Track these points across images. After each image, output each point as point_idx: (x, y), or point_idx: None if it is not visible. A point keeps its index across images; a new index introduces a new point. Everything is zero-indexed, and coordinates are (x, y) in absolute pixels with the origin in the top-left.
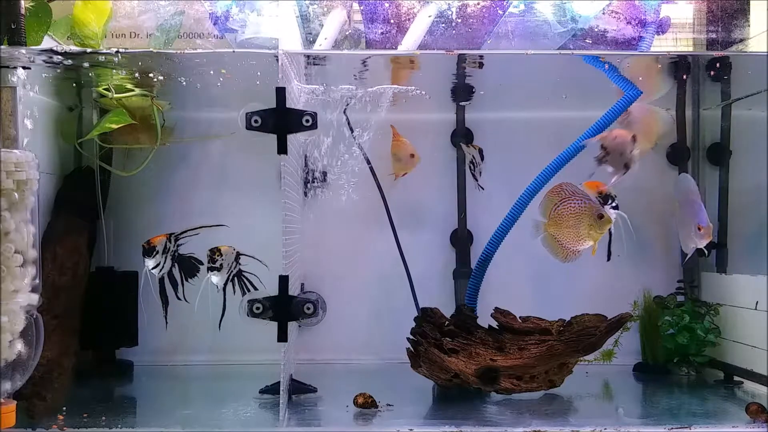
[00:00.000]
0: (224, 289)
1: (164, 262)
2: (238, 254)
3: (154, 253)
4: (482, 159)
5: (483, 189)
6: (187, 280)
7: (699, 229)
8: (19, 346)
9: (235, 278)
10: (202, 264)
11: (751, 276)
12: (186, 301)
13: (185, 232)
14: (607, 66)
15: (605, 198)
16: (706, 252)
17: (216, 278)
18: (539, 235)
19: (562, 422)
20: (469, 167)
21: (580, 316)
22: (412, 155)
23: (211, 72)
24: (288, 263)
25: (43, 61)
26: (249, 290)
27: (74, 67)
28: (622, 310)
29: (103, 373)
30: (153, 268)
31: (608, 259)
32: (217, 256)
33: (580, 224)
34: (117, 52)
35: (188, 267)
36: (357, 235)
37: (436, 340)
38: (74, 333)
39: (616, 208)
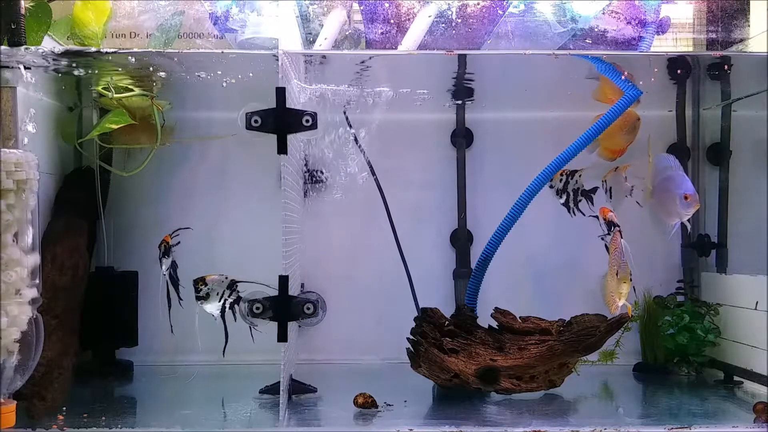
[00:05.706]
0: (223, 318)
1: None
2: (233, 282)
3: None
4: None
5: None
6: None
7: (686, 198)
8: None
9: (234, 305)
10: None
11: (751, 276)
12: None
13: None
14: (624, 74)
15: (609, 225)
16: (689, 222)
17: (209, 307)
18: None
19: (562, 422)
20: (563, 195)
21: (580, 316)
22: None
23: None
24: (288, 263)
25: (45, 61)
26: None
27: (74, 66)
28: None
29: (103, 373)
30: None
31: None
32: (201, 285)
33: (612, 276)
34: (116, 52)
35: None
36: (357, 235)
37: (436, 340)
38: (74, 333)
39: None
